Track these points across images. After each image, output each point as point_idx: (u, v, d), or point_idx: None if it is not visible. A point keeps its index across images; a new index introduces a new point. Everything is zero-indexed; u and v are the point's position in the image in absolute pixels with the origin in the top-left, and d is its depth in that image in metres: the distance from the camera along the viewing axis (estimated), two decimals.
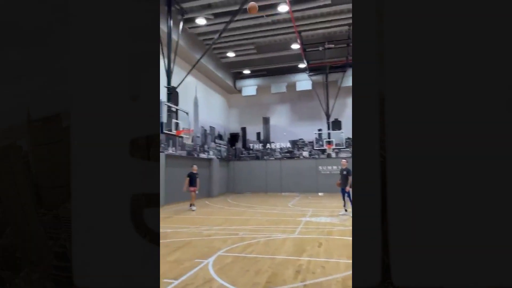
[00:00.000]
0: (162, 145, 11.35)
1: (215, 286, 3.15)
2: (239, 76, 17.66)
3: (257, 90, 17.39)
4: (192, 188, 9.57)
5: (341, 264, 3.81)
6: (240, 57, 15.30)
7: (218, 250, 4.57)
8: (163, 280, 3.33)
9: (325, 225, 6.60)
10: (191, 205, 9.66)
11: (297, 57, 14.85)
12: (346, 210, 8.01)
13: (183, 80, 10.19)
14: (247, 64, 16.19)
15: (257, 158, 17.91)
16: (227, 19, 10.32)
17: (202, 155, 14.73)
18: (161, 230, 6.47)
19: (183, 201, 12.19)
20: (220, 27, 11.04)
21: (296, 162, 17.18)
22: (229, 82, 16.79)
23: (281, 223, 7.09)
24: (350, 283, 3.11)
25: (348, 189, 7.95)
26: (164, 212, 9.54)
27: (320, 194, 15.65)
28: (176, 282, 3.27)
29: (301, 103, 17.42)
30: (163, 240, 5.41)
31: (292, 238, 5.36)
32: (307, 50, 14.09)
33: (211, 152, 15.67)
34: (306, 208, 9.97)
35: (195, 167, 10.01)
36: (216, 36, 10.63)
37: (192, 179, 9.59)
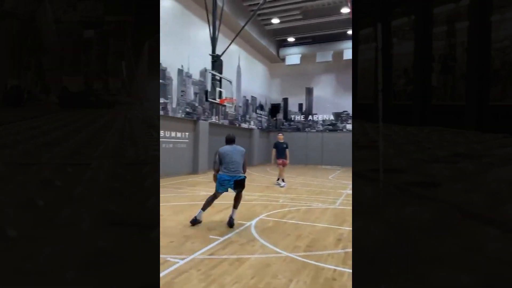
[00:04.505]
0: (206, 114, 11.67)
1: (257, 245, 3.30)
2: (282, 44, 17.09)
3: (301, 58, 16.78)
4: (279, 161, 8.30)
5: None
6: (285, 23, 14.69)
7: (260, 214, 4.73)
8: (209, 236, 3.57)
9: None
10: (278, 179, 8.41)
11: (346, 23, 13.85)
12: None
13: (227, 48, 10.12)
14: (292, 31, 15.54)
15: (298, 129, 17.69)
16: None
17: (243, 125, 14.92)
18: (206, 193, 6.87)
19: None
20: None
21: (339, 135, 16.67)
22: (272, 51, 16.36)
23: (321, 194, 7.07)
24: None
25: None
26: (207, 177, 10.03)
27: None
28: (221, 239, 3.48)
29: (348, 73, 16.47)
30: None
31: (333, 209, 5.34)
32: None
33: (252, 123, 15.79)
34: (348, 181, 9.79)
35: (281, 135, 8.85)
36: (261, 0, 10.25)
37: (279, 150, 8.39)
